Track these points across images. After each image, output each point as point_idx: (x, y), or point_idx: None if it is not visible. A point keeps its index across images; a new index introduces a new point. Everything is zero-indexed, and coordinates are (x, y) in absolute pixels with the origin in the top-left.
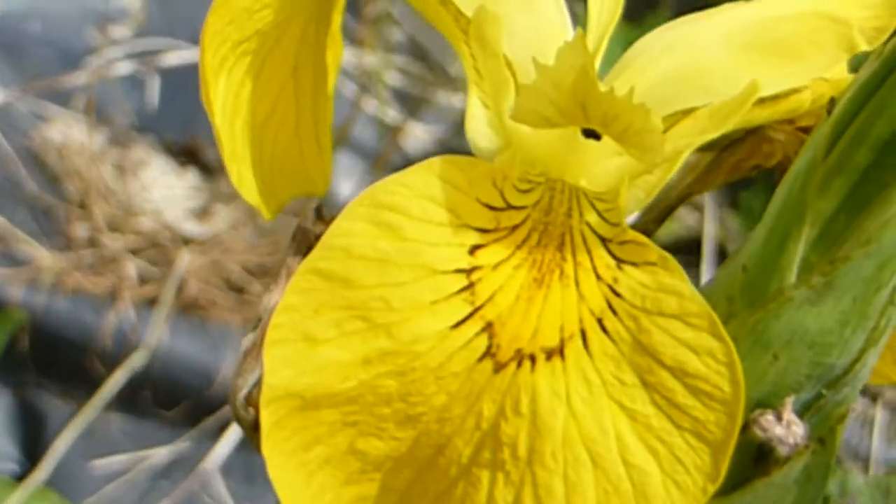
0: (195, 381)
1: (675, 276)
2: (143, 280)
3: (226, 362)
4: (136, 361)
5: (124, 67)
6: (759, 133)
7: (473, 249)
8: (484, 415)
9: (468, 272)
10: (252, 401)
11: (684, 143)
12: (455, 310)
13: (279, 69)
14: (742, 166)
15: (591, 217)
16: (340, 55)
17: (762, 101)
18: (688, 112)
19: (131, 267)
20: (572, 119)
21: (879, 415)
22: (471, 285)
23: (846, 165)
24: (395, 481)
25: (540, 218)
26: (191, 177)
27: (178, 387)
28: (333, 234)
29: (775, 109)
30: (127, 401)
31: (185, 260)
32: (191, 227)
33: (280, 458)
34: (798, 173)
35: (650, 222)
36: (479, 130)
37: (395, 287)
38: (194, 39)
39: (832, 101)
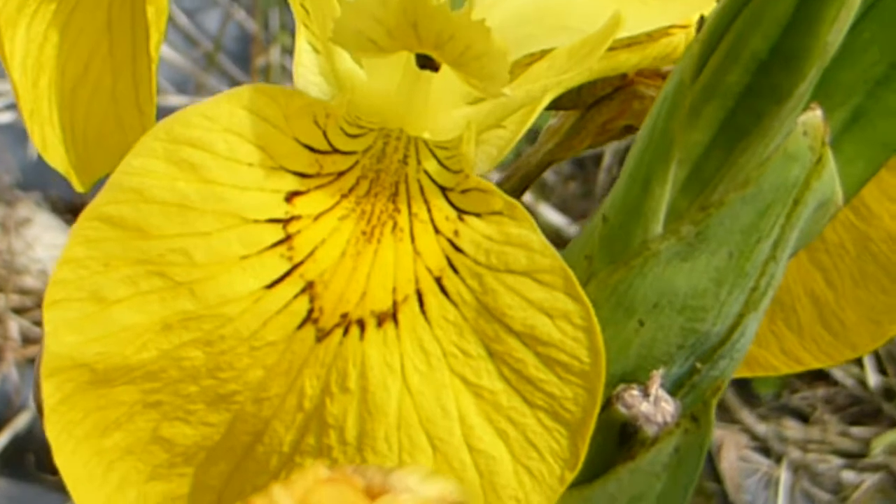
0: None
1: (522, 226)
2: (26, 340)
3: None
4: (19, 424)
5: (5, 118)
6: (628, 89)
7: (291, 196)
8: (306, 392)
9: (285, 223)
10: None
11: (540, 86)
12: (270, 267)
13: (90, 22)
14: (611, 127)
15: (430, 165)
16: (165, 9)
17: (629, 45)
18: (545, 54)
19: (14, 327)
20: (402, 41)
21: (784, 476)
22: (288, 238)
23: (718, 89)
24: (209, 476)
25: (371, 165)
26: None
27: None
28: (124, 173)
29: (644, 54)
30: (10, 464)
31: None
32: None
33: (70, 443)
34: (663, 102)
35: (508, 193)
36: (308, 80)
37: (197, 238)
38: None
39: (701, 19)
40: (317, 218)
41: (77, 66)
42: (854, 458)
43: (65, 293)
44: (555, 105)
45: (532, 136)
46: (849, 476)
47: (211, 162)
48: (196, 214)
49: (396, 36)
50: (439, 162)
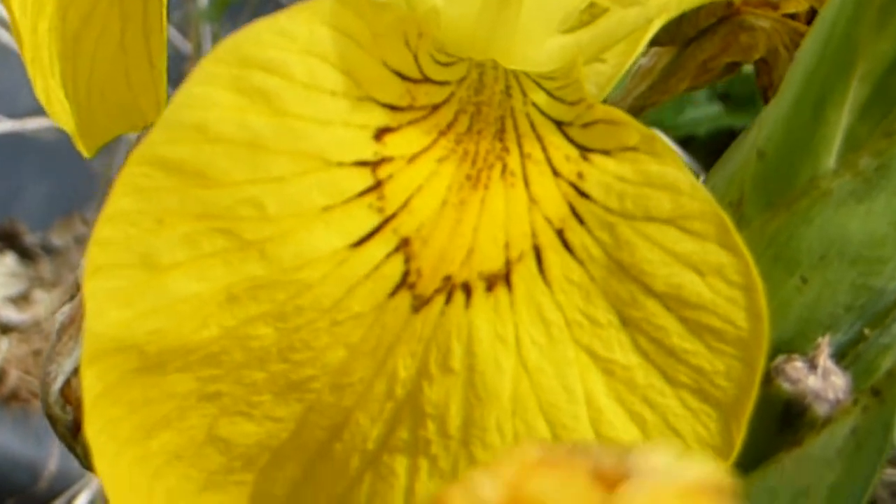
0: (19, 477)
1: (665, 163)
2: None
3: (52, 457)
4: None
5: None
6: (734, 19)
7: (380, 133)
8: (399, 376)
9: (374, 165)
10: (70, 394)
11: (656, 4)
12: (357, 220)
13: None
14: (713, 66)
15: (539, 97)
16: None
17: None
18: None
19: None
20: None
21: None
22: (378, 185)
23: None
24: (274, 483)
25: (469, 97)
26: (8, 262)
27: (1, 484)
28: (182, 106)
29: None
30: None
31: (4, 349)
32: (9, 315)
33: (111, 446)
34: (842, 3)
35: None
36: None
37: (271, 184)
38: (11, 113)
39: None
40: (411, 160)
41: (80, 9)
42: None
43: (110, 257)
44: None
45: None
46: None
47: (288, 90)
48: (269, 156)
49: None
50: (549, 94)
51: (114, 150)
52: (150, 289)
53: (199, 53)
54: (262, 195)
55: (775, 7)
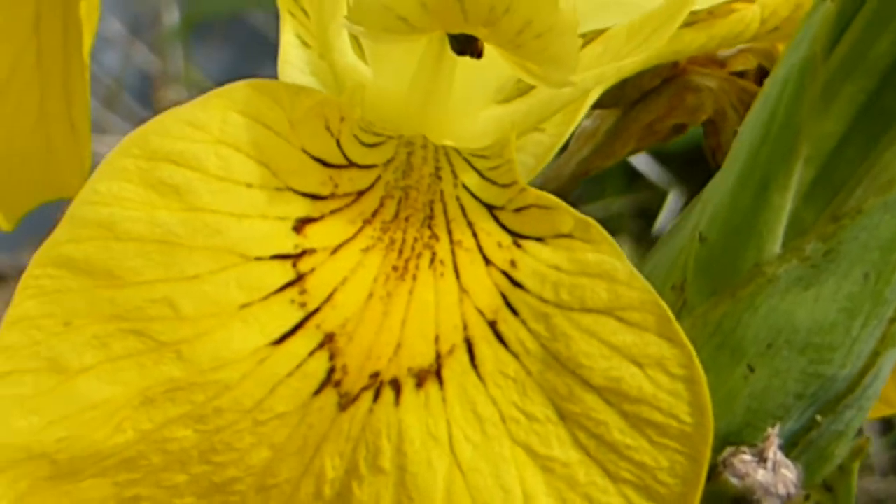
0: None
1: (601, 250)
2: None
3: None
4: None
5: None
6: (679, 80)
7: (301, 224)
8: (327, 476)
9: (294, 259)
10: None
11: (593, 76)
12: (278, 316)
13: (15, 21)
14: (659, 128)
15: (470, 178)
16: (98, 6)
17: (691, 24)
18: (596, 35)
19: None
20: (442, 17)
21: None
22: (300, 278)
23: (860, 65)
24: None
25: (396, 181)
26: None
27: None
28: (86, 203)
29: (711, 34)
30: None
31: None
32: None
33: None
34: (784, 82)
35: None
36: (296, 80)
37: (184, 283)
38: None
39: None
40: (335, 251)
41: None
42: None
43: (14, 363)
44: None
45: None
46: None
47: (200, 184)
48: (182, 253)
49: (435, 9)
50: (481, 174)
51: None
52: (59, 395)
53: (167, 74)
54: (175, 294)
55: (722, 65)
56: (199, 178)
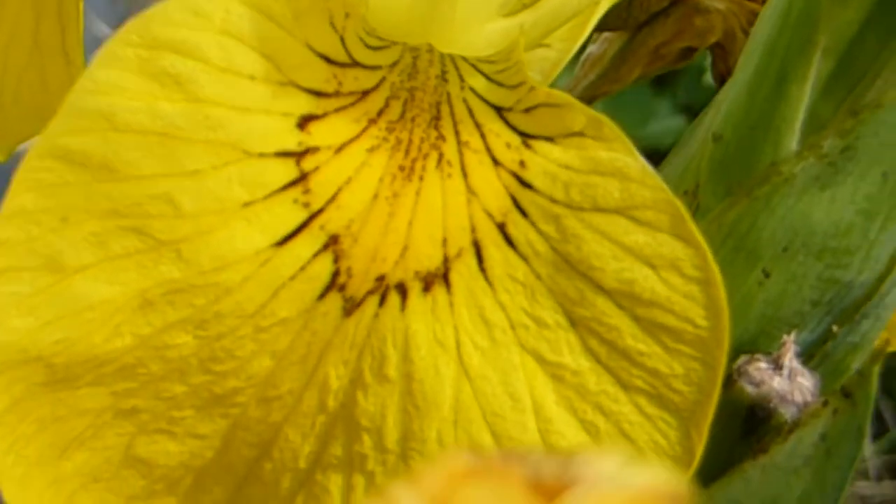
0: None
1: (613, 148)
2: None
3: None
4: None
5: None
6: (687, 3)
7: (305, 121)
8: (331, 386)
9: (298, 156)
10: None
11: None
12: (280, 216)
13: None
14: (665, 52)
15: (477, 81)
16: None
17: None
18: None
19: None
20: None
21: None
22: (303, 177)
23: None
24: None
25: (401, 82)
26: None
27: None
28: (85, 91)
29: None
30: None
31: None
32: None
33: (20, 467)
34: None
35: None
36: None
37: (185, 178)
38: None
39: None
40: (339, 150)
41: None
42: None
43: (11, 260)
44: (597, 26)
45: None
46: None
47: (202, 74)
48: (183, 146)
49: None
50: (488, 77)
51: None
52: (56, 294)
53: None
54: (175, 190)
55: None
56: (201, 69)
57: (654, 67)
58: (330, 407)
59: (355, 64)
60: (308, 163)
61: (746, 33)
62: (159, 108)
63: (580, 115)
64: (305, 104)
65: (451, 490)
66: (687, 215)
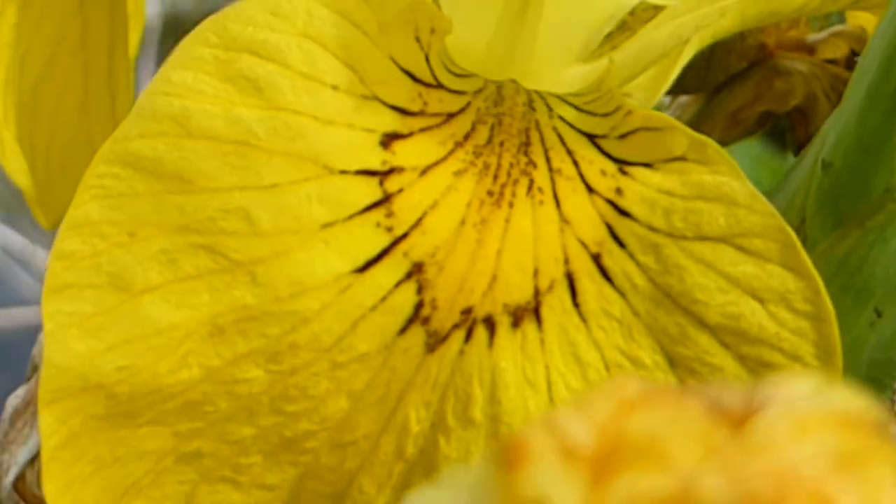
0: None
1: (719, 171)
2: None
3: None
4: None
5: None
6: (768, 63)
7: (389, 139)
8: (411, 430)
9: (382, 176)
10: (25, 489)
11: (692, 19)
12: (362, 240)
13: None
14: (745, 116)
15: (567, 112)
16: (143, 4)
17: None
18: None
19: None
20: None
21: None
22: (387, 199)
23: None
24: None
25: (487, 108)
26: None
27: None
28: (158, 93)
29: None
30: None
31: None
32: None
33: None
34: None
35: None
36: None
37: (263, 193)
38: None
39: None
40: (424, 172)
41: (40, 56)
42: None
43: (75, 275)
44: (672, 88)
45: None
46: None
47: (282, 79)
48: (261, 157)
49: None
50: (577, 108)
51: None
52: (121, 316)
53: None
54: (252, 205)
55: (812, 51)
56: (281, 74)
57: (731, 133)
58: (409, 454)
59: (440, 86)
60: (392, 184)
61: (829, 97)
62: (237, 113)
63: (682, 137)
64: (390, 121)
65: (621, 418)
66: (797, 244)
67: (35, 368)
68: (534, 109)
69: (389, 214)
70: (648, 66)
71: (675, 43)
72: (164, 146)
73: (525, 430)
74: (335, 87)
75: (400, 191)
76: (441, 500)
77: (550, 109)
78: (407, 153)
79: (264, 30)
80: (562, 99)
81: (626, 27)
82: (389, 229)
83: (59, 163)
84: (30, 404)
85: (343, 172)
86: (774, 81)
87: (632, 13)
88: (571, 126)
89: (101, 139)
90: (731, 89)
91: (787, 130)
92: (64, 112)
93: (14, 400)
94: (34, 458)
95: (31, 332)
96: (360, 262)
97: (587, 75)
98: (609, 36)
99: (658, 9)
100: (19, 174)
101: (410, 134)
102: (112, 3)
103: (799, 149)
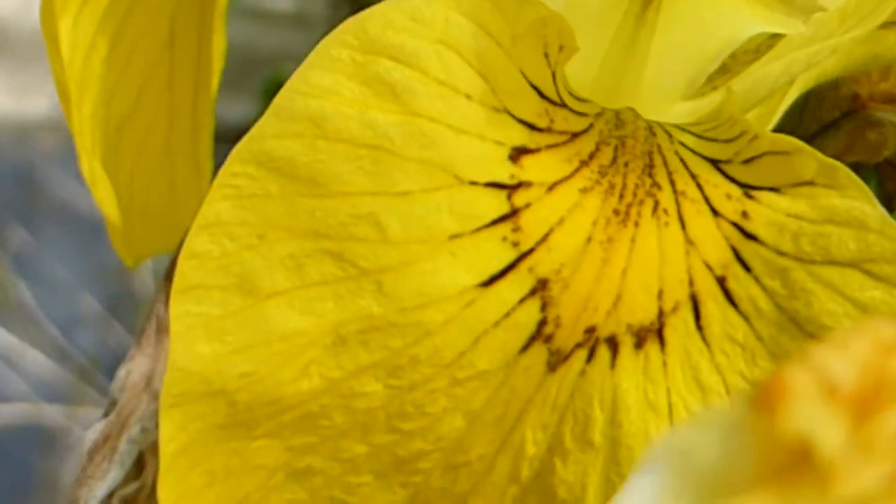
0: None
1: (849, 195)
2: None
3: None
4: None
5: None
6: (860, 114)
7: (517, 154)
8: (527, 452)
9: (510, 190)
10: None
11: (804, 56)
12: (488, 253)
13: (149, 33)
14: None
15: (687, 138)
16: (225, 44)
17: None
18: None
19: None
20: None
21: None
22: (514, 213)
23: None
24: None
25: (609, 131)
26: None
27: None
28: (295, 93)
29: None
30: None
31: None
32: None
33: None
34: None
35: None
36: None
37: (395, 199)
38: None
39: None
40: (551, 188)
41: (128, 94)
42: None
43: (203, 276)
44: None
45: None
46: None
47: (419, 85)
48: (395, 163)
49: None
50: (697, 136)
51: None
52: (247, 319)
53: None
54: (383, 212)
55: None
56: (418, 79)
57: None
58: (523, 476)
59: (564, 105)
60: (520, 198)
61: None
62: (372, 117)
63: (811, 161)
64: (519, 135)
65: (881, 358)
66: None
67: (113, 403)
68: (654, 135)
69: (516, 229)
70: (759, 102)
71: (787, 79)
72: (300, 147)
73: (782, 370)
74: (469, 97)
75: (527, 205)
76: (695, 441)
77: (671, 136)
78: (534, 168)
79: (403, 34)
80: (679, 127)
81: (725, 69)
82: (516, 244)
83: (140, 203)
84: (108, 439)
85: (473, 184)
86: (867, 132)
87: (732, 56)
88: (693, 151)
89: (183, 183)
90: (823, 139)
91: (877, 182)
92: (147, 151)
93: (92, 434)
94: (113, 493)
95: (14, 430)
96: (486, 276)
97: (694, 111)
98: (710, 77)
99: (756, 53)
100: (108, 205)
101: (538, 149)
102: (200, 42)
103: (889, 202)
